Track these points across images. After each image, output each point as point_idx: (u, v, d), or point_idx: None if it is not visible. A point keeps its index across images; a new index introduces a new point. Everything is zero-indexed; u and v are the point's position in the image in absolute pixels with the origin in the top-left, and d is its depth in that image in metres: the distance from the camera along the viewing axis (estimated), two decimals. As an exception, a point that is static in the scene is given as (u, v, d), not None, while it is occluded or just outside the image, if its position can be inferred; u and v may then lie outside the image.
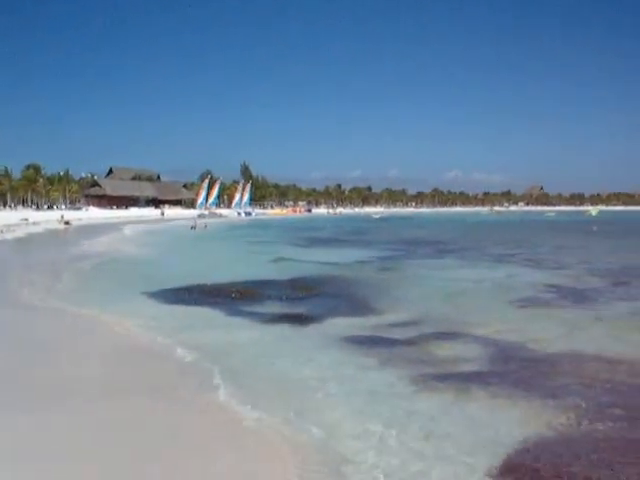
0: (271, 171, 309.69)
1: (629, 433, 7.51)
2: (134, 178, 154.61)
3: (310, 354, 11.35)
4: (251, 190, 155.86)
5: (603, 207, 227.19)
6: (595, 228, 71.06)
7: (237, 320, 14.79)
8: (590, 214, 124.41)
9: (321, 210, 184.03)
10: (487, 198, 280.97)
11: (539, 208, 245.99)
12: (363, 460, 6.82)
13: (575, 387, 9.27)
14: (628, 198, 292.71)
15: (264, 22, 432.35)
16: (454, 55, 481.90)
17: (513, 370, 10.30)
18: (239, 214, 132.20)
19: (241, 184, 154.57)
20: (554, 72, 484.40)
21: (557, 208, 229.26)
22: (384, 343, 12.27)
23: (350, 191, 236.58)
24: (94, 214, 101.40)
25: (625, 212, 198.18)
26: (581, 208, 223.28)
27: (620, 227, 79.90)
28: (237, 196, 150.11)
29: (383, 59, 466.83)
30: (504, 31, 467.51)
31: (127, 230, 60.39)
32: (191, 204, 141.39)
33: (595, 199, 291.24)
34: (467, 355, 11.29)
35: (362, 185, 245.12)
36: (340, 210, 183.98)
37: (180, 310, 16.05)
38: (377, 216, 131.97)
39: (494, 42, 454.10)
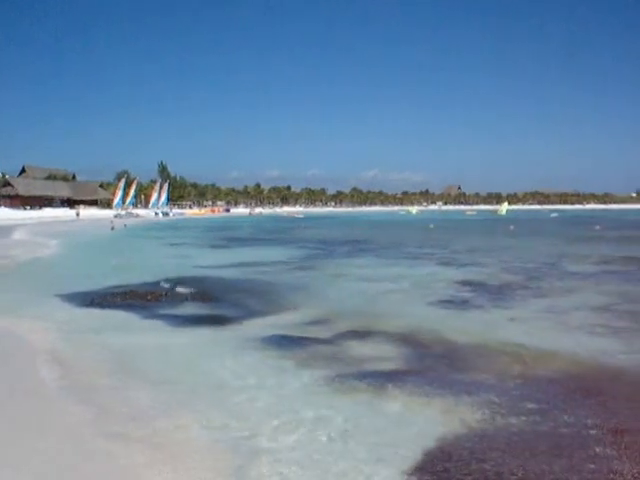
0: (189, 171, 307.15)
1: (540, 426, 7.63)
2: (48, 177, 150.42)
3: (225, 355, 11.23)
4: (169, 190, 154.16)
5: (515, 206, 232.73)
6: (512, 227, 72.68)
7: (150, 323, 14.47)
8: (501, 212, 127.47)
9: (240, 210, 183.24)
10: (406, 197, 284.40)
11: (457, 207, 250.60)
12: (271, 460, 6.76)
13: (489, 383, 9.38)
14: (543, 198, 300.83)
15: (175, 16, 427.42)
16: (371, 52, 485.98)
17: (429, 368, 10.35)
18: (156, 214, 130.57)
19: (158, 184, 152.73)
20: (471, 68, 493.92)
21: (476, 207, 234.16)
22: (302, 343, 12.20)
23: (269, 191, 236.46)
24: (5, 215, 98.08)
25: (538, 211, 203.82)
26: (518, 207, 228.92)
27: (534, 225, 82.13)
28: (154, 196, 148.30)
29: (294, 57, 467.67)
30: (422, 33, 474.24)
31: (39, 231, 58.63)
32: (108, 204, 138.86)
33: (511, 198, 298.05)
34: (384, 354, 11.30)
35: (281, 184, 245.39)
36: (260, 210, 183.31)
37: (94, 313, 15.66)
38: (300, 216, 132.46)
39: (410, 41, 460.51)
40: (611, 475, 6.28)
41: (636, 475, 6.26)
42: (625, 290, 19.45)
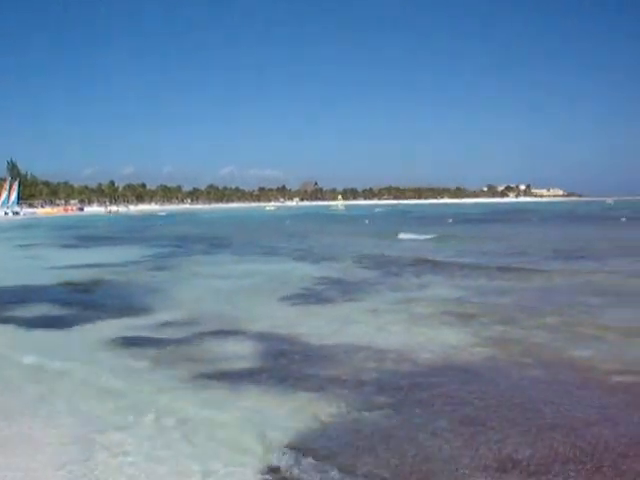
0: (41, 169, 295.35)
1: (393, 419, 7.72)
2: None
3: (73, 358, 10.93)
4: (19, 189, 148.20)
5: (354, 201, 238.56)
6: (367, 221, 74.43)
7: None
8: (336, 208, 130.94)
9: (95, 209, 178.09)
10: (263, 194, 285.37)
11: (315, 203, 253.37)
12: (114, 457, 6.74)
13: (343, 378, 9.46)
14: (399, 192, 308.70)
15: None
16: (223, 55, 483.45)
17: (284, 365, 10.37)
18: (6, 214, 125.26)
19: (8, 182, 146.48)
20: (322, 60, 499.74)
21: (334, 202, 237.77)
22: (155, 343, 12.06)
23: (124, 188, 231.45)
24: None
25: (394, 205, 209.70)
26: (354, 202, 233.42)
27: (393, 219, 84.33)
28: (4, 195, 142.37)
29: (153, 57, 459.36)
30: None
31: None
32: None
33: (367, 193, 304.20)
34: (239, 352, 11.28)
35: (136, 182, 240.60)
36: (116, 209, 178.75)
37: None
38: (163, 213, 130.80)
39: (260, 41, 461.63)
40: (461, 463, 6.43)
41: (477, 463, 6.47)
42: (476, 284, 20.03)
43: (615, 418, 7.66)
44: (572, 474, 6.13)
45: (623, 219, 69.40)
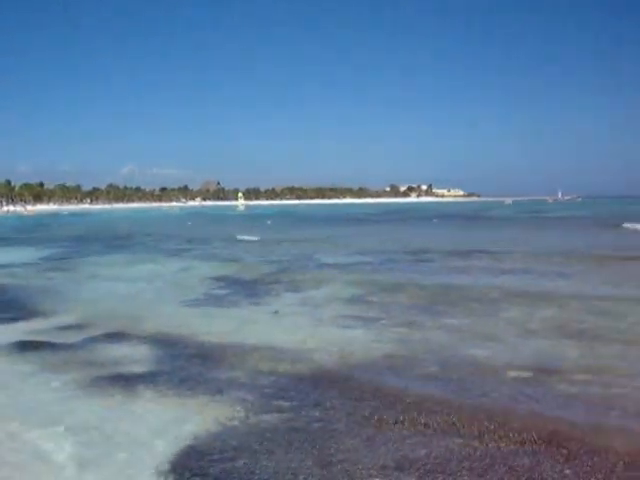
0: None
1: (292, 422, 7.72)
2: None
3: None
4: None
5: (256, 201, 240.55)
6: (269, 222, 74.62)
7: None
8: (238, 208, 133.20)
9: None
10: (164, 194, 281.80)
11: (220, 203, 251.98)
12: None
13: (242, 381, 9.45)
14: (301, 192, 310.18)
15: None
16: (127, 48, 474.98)
17: (183, 368, 10.27)
18: None
19: None
20: (216, 65, 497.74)
21: (234, 202, 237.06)
22: (49, 348, 11.70)
23: (21, 187, 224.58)
24: None
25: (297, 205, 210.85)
26: (256, 202, 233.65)
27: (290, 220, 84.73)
28: None
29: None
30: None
31: None
32: None
33: (270, 193, 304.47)
34: (136, 355, 11.12)
35: (33, 181, 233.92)
36: (13, 208, 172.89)
37: None
38: (66, 212, 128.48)
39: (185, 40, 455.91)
40: (360, 464, 6.47)
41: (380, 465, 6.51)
42: (372, 279, 20.23)
43: (509, 413, 7.79)
44: (465, 472, 6.22)
45: (434, 220, 74.35)
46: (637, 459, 6.39)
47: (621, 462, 6.33)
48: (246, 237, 42.82)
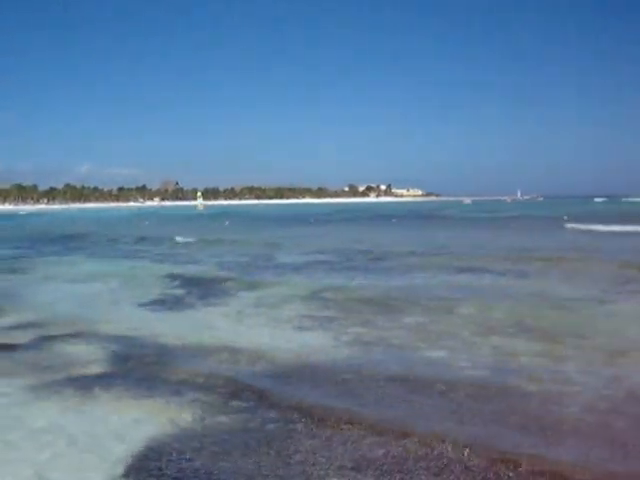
0: None
1: (249, 422, 7.71)
2: None
3: None
4: None
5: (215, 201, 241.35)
6: (227, 223, 74.44)
7: None
8: (197, 208, 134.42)
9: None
10: (122, 194, 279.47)
11: (179, 203, 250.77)
12: None
13: (199, 382, 9.39)
14: (260, 192, 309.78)
15: None
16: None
17: (139, 369, 10.18)
18: None
19: None
20: (166, 70, 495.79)
21: (193, 202, 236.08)
22: (4, 351, 11.50)
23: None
24: None
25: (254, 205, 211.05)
26: (215, 202, 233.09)
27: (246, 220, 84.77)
28: None
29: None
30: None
31: None
32: None
33: (229, 193, 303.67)
34: (93, 357, 10.98)
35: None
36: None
37: None
38: (22, 212, 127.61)
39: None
40: (318, 464, 6.47)
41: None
42: (337, 282, 20.16)
43: (467, 412, 7.89)
44: (424, 470, 6.27)
45: (393, 220, 74.28)
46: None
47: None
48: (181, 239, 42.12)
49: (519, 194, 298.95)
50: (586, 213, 72.94)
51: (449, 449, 6.76)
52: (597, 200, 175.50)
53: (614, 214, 70.44)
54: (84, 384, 9.30)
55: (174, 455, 6.75)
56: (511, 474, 6.20)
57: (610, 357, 10.18)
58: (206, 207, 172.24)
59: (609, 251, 27.94)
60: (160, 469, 6.40)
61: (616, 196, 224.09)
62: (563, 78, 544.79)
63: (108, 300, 17.75)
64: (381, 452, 6.74)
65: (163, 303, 17.01)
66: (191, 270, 24.39)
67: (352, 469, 6.35)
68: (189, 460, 6.62)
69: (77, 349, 11.62)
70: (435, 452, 6.70)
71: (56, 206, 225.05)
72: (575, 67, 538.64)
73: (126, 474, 6.33)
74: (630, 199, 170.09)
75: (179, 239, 42.09)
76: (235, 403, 8.45)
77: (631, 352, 10.35)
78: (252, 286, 19.50)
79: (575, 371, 9.55)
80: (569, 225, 47.43)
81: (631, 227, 41.74)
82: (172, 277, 22.07)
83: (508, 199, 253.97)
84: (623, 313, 13.83)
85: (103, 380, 9.53)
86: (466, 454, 6.62)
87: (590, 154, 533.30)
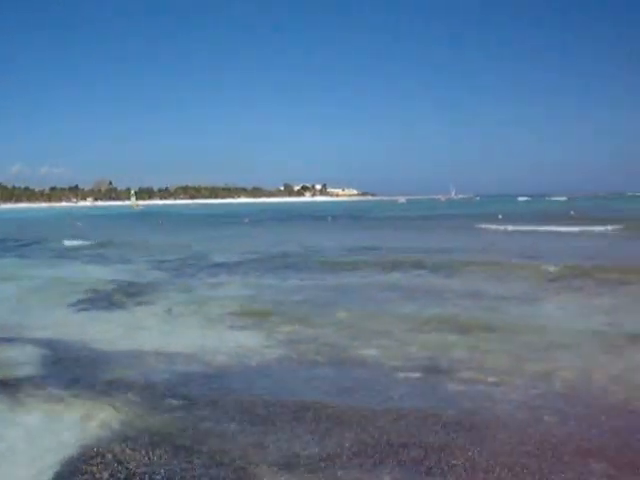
0: None
1: (183, 422, 7.74)
2: None
3: None
4: None
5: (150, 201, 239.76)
6: (160, 221, 74.40)
7: None
8: (136, 207, 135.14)
9: None
10: (54, 194, 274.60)
11: (112, 203, 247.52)
12: None
13: (131, 382, 9.36)
14: (195, 192, 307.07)
15: None
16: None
17: (71, 372, 10.09)
18: None
19: None
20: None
21: (127, 202, 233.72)
22: None
23: None
24: None
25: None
26: (148, 202, 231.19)
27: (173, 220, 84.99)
28: None
29: None
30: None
31: None
32: None
33: (163, 193, 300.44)
34: (24, 360, 10.84)
35: None
36: None
37: None
38: None
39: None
40: (251, 462, 6.55)
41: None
42: (272, 282, 20.50)
43: (400, 411, 8.01)
44: (357, 466, 6.41)
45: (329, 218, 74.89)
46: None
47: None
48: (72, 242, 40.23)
49: (453, 193, 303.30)
50: (505, 212, 73.82)
51: (383, 443, 6.94)
52: (520, 199, 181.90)
53: (528, 213, 74.65)
54: (13, 389, 9.17)
55: (106, 458, 6.68)
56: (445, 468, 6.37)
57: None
58: (139, 207, 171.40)
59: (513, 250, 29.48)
60: (92, 473, 6.36)
61: (540, 195, 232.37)
62: (498, 79, 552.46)
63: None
64: (315, 449, 6.83)
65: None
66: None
67: (286, 466, 6.41)
68: (120, 462, 6.56)
69: (7, 352, 11.50)
70: (369, 447, 6.86)
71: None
72: (507, 68, 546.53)
73: (56, 478, 6.32)
74: (553, 198, 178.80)
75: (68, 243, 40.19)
76: (168, 401, 8.47)
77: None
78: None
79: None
80: (481, 225, 49.47)
81: (532, 227, 45.68)
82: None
83: (442, 198, 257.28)
84: (548, 309, 14.73)
85: (36, 383, 9.46)
86: (400, 448, 6.81)
87: (519, 156, 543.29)
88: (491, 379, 9.27)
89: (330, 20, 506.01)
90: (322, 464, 6.46)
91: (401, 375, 9.63)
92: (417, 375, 9.63)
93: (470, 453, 6.63)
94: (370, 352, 11.06)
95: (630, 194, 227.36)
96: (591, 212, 71.19)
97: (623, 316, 13.62)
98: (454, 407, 8.11)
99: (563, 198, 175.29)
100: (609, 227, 42.12)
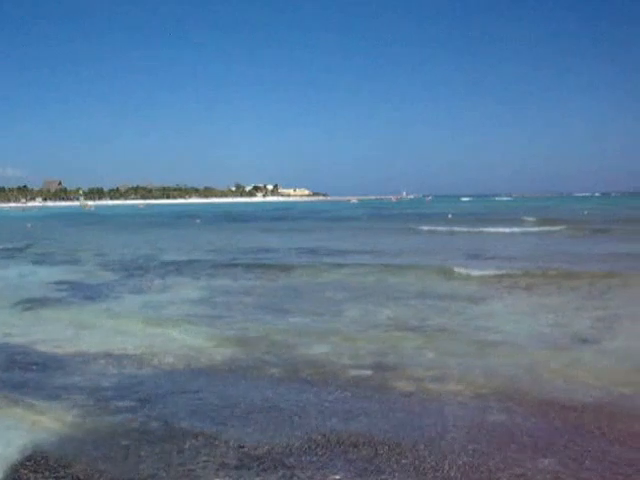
0: None
1: (131, 424, 7.67)
2: None
3: None
4: None
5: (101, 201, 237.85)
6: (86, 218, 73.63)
7: None
8: (89, 209, 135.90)
9: None
10: (2, 194, 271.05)
11: (62, 203, 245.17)
12: None
13: (80, 385, 9.28)
14: (146, 192, 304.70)
15: None
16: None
17: (17, 375, 9.94)
18: None
19: None
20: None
21: (78, 203, 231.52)
22: None
23: None
24: None
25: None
26: (102, 202, 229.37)
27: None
28: None
29: None
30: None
31: None
32: None
33: (114, 193, 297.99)
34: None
35: None
36: None
37: None
38: None
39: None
40: (198, 462, 6.52)
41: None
42: (222, 284, 20.51)
43: (351, 410, 8.09)
44: (307, 465, 6.42)
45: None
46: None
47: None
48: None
49: (404, 194, 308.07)
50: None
51: (333, 441, 7.01)
52: (463, 199, 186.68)
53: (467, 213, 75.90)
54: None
55: (52, 462, 6.58)
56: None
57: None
58: (90, 207, 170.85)
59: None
60: (38, 479, 6.25)
61: (486, 195, 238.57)
62: (446, 78, 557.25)
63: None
64: (266, 448, 6.83)
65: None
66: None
67: (237, 467, 6.40)
68: (67, 466, 6.46)
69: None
70: (319, 445, 6.92)
71: None
72: (465, 69, 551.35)
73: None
74: (497, 198, 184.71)
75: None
76: (117, 403, 8.39)
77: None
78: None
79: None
80: (422, 227, 50.33)
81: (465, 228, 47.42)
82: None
83: (393, 198, 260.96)
84: (495, 308, 15.21)
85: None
86: (350, 447, 6.87)
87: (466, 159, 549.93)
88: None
89: (279, 19, 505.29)
90: (272, 463, 6.48)
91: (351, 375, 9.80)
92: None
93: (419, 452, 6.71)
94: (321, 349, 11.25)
95: (578, 195, 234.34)
96: (536, 213, 72.48)
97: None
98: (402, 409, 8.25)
99: (508, 198, 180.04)
100: (550, 228, 43.78)
